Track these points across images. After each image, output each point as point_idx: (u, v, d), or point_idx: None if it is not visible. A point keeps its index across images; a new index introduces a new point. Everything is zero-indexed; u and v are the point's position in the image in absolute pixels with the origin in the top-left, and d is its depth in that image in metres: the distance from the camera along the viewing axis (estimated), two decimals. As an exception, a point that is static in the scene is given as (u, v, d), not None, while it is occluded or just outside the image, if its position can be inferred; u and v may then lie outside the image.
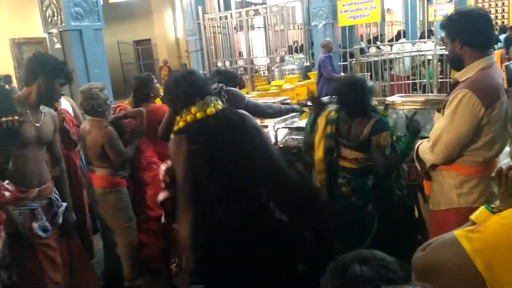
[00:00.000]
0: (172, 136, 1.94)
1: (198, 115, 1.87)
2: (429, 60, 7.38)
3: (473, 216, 1.17)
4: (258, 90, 7.05)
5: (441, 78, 7.21)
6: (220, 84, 3.00)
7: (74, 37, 4.49)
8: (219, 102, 1.93)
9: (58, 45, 4.57)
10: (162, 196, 2.00)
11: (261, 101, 4.54)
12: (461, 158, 2.05)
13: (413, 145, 2.36)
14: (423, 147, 2.15)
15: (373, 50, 7.61)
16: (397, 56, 7.50)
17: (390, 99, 3.33)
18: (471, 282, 0.87)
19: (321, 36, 8.15)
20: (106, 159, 2.92)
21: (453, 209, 2.07)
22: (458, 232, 0.98)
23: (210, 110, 1.87)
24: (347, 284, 0.66)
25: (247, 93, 6.83)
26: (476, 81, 1.95)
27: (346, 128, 2.62)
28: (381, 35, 8.77)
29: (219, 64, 9.59)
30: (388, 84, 7.64)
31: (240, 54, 10.20)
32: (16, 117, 2.11)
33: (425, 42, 7.24)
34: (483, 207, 1.17)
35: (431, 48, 7.08)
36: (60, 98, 2.95)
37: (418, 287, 0.53)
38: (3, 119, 2.06)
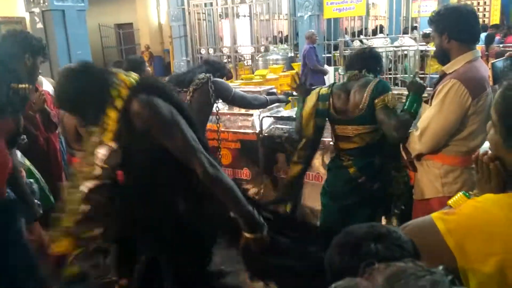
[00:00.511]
0: (116, 110, 1.63)
1: (134, 76, 1.71)
2: (405, 55, 7.49)
3: (451, 201, 1.22)
4: (242, 79, 7.02)
5: (421, 73, 7.32)
6: (208, 74, 2.98)
7: (57, 17, 4.39)
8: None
9: (40, 25, 4.47)
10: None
11: (245, 89, 4.54)
12: (446, 148, 2.10)
13: (419, 103, 2.24)
14: (410, 137, 2.19)
15: (357, 43, 7.66)
16: (380, 50, 7.56)
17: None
18: (444, 260, 0.89)
19: (307, 27, 8.15)
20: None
21: (437, 198, 2.12)
22: (434, 214, 1.03)
23: (132, 74, 1.74)
24: (358, 261, 0.66)
25: (231, 81, 6.81)
26: (464, 72, 2.02)
27: (342, 101, 2.42)
28: (365, 28, 8.82)
29: (203, 51, 9.50)
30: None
31: (221, 39, 10.10)
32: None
33: (403, 37, 7.34)
34: (461, 193, 1.21)
35: (410, 44, 7.19)
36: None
37: (411, 264, 0.54)
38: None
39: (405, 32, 8.16)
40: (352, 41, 7.79)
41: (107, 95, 1.63)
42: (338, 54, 7.71)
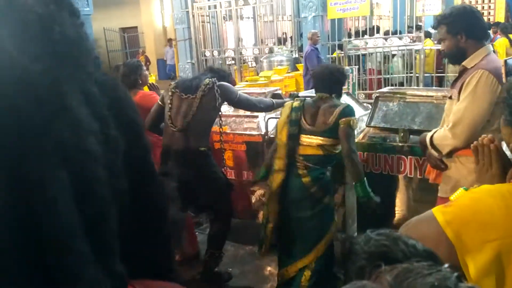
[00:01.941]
0: None
1: None
2: (393, 55, 7.53)
3: (452, 197, 1.24)
4: (246, 81, 7.04)
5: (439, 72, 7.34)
6: (213, 79, 3.01)
7: (62, 22, 4.44)
8: None
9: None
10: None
11: (250, 91, 4.55)
12: None
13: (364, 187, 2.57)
14: (440, 133, 2.23)
15: (361, 44, 7.65)
16: (385, 50, 7.56)
17: (380, 91, 3.37)
18: (446, 252, 0.94)
19: (310, 28, 8.16)
20: None
21: None
22: (435, 208, 1.06)
23: None
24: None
25: (235, 84, 6.82)
26: (488, 63, 2.12)
27: (311, 115, 2.70)
28: (370, 28, 8.79)
29: (207, 53, 9.52)
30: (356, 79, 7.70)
31: (225, 41, 10.14)
32: None
33: (392, 38, 7.32)
34: (461, 188, 1.24)
35: (399, 44, 7.21)
36: None
37: (417, 263, 0.54)
38: None
39: (410, 31, 8.16)
40: (349, 41, 7.78)
41: None
42: (342, 54, 7.70)
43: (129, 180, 0.44)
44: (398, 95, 3.17)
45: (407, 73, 7.61)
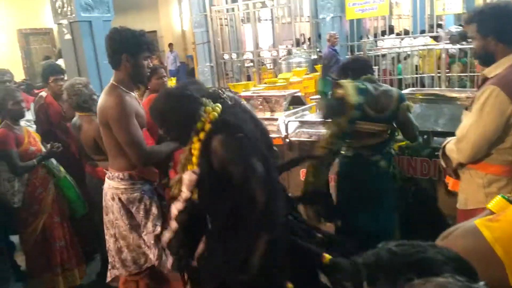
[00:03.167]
0: (199, 141, 1.80)
1: (218, 109, 1.82)
2: (406, 56, 7.40)
3: (490, 205, 1.19)
4: (265, 83, 7.03)
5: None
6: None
7: (84, 28, 4.49)
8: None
9: (68, 36, 4.57)
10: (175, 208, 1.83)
11: (270, 94, 4.54)
12: (490, 157, 1.98)
13: None
14: (450, 145, 2.11)
15: (381, 43, 7.58)
16: (405, 50, 7.46)
17: (403, 92, 3.31)
18: (493, 268, 0.90)
19: (329, 29, 8.11)
20: (102, 151, 2.81)
21: (481, 209, 2.03)
22: (477, 221, 1.00)
23: (217, 105, 1.84)
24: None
25: (254, 86, 6.82)
26: (504, 77, 1.90)
27: (371, 101, 2.51)
28: (389, 28, 8.69)
29: (226, 56, 9.56)
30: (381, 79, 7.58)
31: (244, 44, 10.15)
32: None
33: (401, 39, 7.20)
34: (499, 196, 1.19)
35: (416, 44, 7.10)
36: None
37: (451, 279, 0.53)
38: None
39: (430, 31, 8.04)
40: (376, 41, 7.70)
41: (193, 124, 1.80)
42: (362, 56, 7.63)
43: None
44: (421, 96, 3.12)
45: (418, 74, 7.50)
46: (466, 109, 2.09)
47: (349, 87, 2.47)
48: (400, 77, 7.40)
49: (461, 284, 0.47)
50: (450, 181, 2.28)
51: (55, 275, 3.16)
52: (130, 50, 2.27)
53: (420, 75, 7.36)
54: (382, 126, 2.56)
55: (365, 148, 2.60)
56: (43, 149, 3.16)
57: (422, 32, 8.50)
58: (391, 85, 7.29)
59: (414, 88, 5.35)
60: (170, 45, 13.70)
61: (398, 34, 9.00)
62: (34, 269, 3.21)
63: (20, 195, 3.08)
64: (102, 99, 2.33)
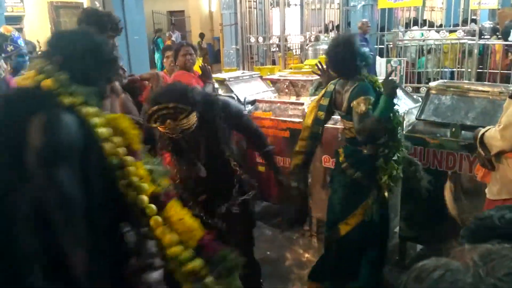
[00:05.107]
0: None
1: None
2: (429, 50, 7.21)
3: None
4: (290, 68, 6.99)
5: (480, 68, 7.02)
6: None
7: (116, 3, 4.54)
8: None
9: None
10: None
11: (296, 78, 4.52)
12: None
13: (390, 106, 2.34)
14: (491, 132, 2.10)
15: (411, 35, 7.41)
16: (436, 43, 7.30)
17: (433, 84, 3.26)
18: None
19: (359, 17, 7.99)
20: None
21: None
22: None
23: None
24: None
25: (279, 70, 6.79)
26: None
27: (339, 98, 2.60)
28: (424, 20, 8.49)
29: (252, 39, 9.50)
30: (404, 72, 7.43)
31: (271, 28, 10.07)
32: None
33: (428, 31, 7.01)
34: None
35: (436, 37, 6.91)
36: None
37: (499, 246, 0.52)
38: None
39: (463, 25, 7.83)
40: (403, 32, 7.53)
41: None
42: (392, 46, 7.49)
43: None
44: (452, 89, 3.07)
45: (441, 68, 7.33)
46: (511, 97, 2.10)
47: (321, 91, 2.74)
48: (420, 70, 7.26)
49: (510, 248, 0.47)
50: (480, 172, 2.28)
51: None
52: (96, 28, 2.41)
53: (442, 69, 7.21)
54: (347, 124, 2.59)
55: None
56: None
57: (455, 26, 8.29)
58: (412, 78, 7.20)
59: (445, 80, 5.25)
60: (201, 34, 13.77)
61: (421, 26, 8.78)
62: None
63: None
64: None
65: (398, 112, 2.60)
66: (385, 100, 2.33)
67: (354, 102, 2.42)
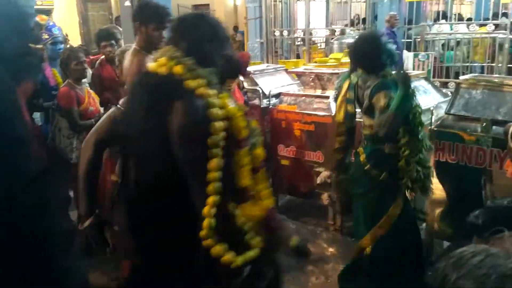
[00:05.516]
0: None
1: None
2: (457, 43, 7.01)
3: None
4: (315, 62, 6.93)
5: None
6: None
7: (144, -5, 4.58)
8: None
9: (127, 3, 4.68)
10: None
11: (320, 71, 4.49)
12: None
13: (405, 97, 2.31)
14: None
15: (440, 29, 7.25)
16: (466, 37, 7.12)
17: (463, 78, 3.19)
18: None
19: (386, 10, 7.86)
20: None
21: None
22: None
23: None
24: None
25: (304, 64, 6.75)
26: None
27: (361, 94, 2.59)
28: (454, 14, 8.27)
29: (277, 33, 9.46)
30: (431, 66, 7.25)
31: (296, 22, 10.01)
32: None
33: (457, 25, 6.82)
34: None
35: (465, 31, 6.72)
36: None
37: None
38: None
39: (494, 18, 7.61)
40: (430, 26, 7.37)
41: None
42: (420, 40, 7.35)
43: None
44: (483, 83, 2.99)
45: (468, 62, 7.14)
46: None
47: (344, 84, 2.72)
48: (447, 64, 7.09)
49: None
50: (510, 168, 2.23)
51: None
52: (141, 20, 2.56)
53: (470, 64, 7.02)
54: (367, 120, 2.60)
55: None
56: (101, 111, 3.29)
57: (486, 19, 8.07)
58: (440, 73, 7.03)
59: (477, 74, 5.12)
60: (235, 27, 13.93)
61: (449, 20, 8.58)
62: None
63: (77, 152, 3.24)
64: (125, 60, 2.66)
65: (420, 111, 2.55)
66: (400, 91, 2.32)
67: (375, 98, 2.44)
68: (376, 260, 2.62)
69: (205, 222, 1.47)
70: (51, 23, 3.52)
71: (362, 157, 2.60)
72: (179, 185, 1.51)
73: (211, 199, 1.48)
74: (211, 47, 1.61)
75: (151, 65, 1.61)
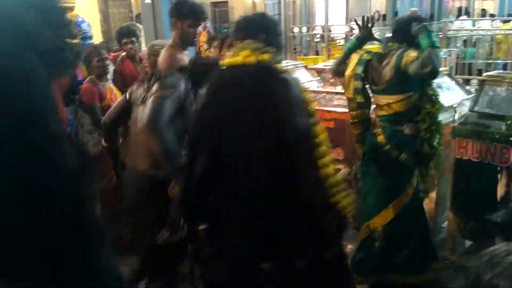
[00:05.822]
0: None
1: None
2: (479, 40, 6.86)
3: None
4: (335, 58, 6.88)
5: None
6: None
7: (164, -7, 4.62)
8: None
9: (148, 0, 4.73)
10: None
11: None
12: None
13: (430, 35, 2.37)
14: None
15: (462, 25, 7.12)
16: (488, 33, 6.97)
17: (488, 74, 3.13)
18: None
19: (407, 6, 7.77)
20: None
21: None
22: None
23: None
24: None
25: (323, 61, 6.70)
26: None
27: (375, 74, 2.63)
28: (474, 9, 8.13)
29: (296, 30, 9.42)
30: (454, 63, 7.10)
31: (315, 18, 9.94)
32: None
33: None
34: None
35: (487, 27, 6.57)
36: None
37: None
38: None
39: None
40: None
41: None
42: (442, 35, 7.23)
43: None
44: (508, 80, 2.93)
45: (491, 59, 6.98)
46: None
47: (352, 57, 2.79)
48: (470, 61, 6.95)
49: None
50: None
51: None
52: (177, 16, 2.64)
53: (493, 61, 6.87)
54: (387, 98, 2.65)
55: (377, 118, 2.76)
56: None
57: (510, 15, 7.90)
58: (462, 69, 6.89)
59: (501, 71, 5.02)
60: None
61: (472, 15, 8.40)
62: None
63: (99, 146, 3.29)
64: (160, 55, 2.70)
65: (438, 96, 2.65)
66: (426, 35, 2.38)
67: (404, 59, 2.45)
68: (389, 241, 2.64)
69: (332, 180, 1.72)
70: (80, 19, 3.57)
71: (380, 138, 2.60)
72: (287, 163, 1.71)
73: (327, 159, 1.73)
74: (277, 34, 1.91)
75: (230, 59, 1.83)
